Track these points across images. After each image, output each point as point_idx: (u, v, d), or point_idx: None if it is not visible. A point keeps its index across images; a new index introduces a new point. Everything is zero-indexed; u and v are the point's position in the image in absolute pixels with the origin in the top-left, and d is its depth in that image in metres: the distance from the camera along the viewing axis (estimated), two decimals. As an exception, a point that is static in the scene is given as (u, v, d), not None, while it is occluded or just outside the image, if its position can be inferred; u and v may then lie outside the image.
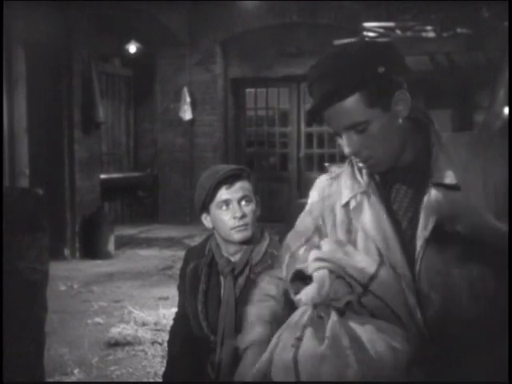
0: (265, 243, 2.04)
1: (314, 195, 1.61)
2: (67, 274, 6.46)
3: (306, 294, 1.38)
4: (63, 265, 6.96)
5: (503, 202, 1.32)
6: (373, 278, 1.34)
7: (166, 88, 10.50)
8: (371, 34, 7.54)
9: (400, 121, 1.37)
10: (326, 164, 7.37)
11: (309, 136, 10.62)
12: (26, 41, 6.57)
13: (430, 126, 1.43)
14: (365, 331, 1.29)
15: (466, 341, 1.35)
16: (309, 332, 1.30)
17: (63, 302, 5.36)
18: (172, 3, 9.36)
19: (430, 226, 1.34)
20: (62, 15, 7.26)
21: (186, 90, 10.23)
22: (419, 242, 1.36)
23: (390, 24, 7.57)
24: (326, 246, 1.44)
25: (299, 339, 1.30)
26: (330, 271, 1.36)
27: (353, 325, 1.30)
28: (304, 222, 1.61)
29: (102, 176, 8.65)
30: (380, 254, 1.39)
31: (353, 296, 1.34)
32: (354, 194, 1.47)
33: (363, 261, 1.37)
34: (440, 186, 1.36)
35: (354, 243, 1.46)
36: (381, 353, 1.25)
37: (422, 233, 1.36)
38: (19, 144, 6.44)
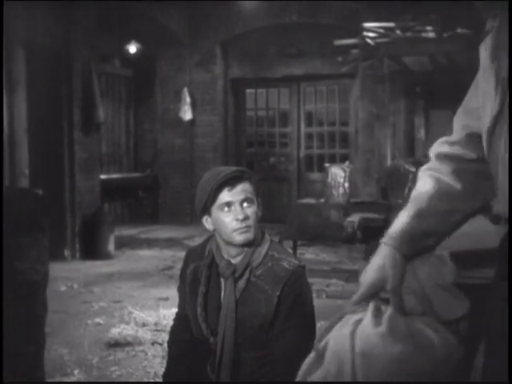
0: (265, 246, 2.03)
1: None
2: (67, 275, 6.45)
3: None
4: (63, 265, 6.96)
5: None
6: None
7: (166, 88, 10.50)
8: (371, 35, 7.53)
9: None
10: (326, 164, 7.35)
11: (309, 136, 10.61)
12: (26, 41, 6.57)
13: None
14: (421, 322, 1.37)
15: None
16: (369, 314, 1.38)
17: (63, 302, 5.35)
18: (172, 4, 9.35)
19: None
20: (62, 15, 7.25)
21: (186, 91, 10.23)
22: None
23: (390, 24, 7.56)
24: None
25: (359, 321, 1.38)
26: None
27: (410, 316, 1.39)
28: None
29: (102, 176, 8.65)
30: None
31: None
32: None
33: None
34: None
35: None
36: (436, 343, 1.33)
37: None
38: (19, 144, 6.44)
